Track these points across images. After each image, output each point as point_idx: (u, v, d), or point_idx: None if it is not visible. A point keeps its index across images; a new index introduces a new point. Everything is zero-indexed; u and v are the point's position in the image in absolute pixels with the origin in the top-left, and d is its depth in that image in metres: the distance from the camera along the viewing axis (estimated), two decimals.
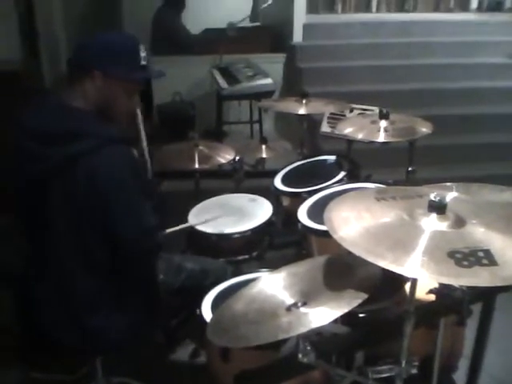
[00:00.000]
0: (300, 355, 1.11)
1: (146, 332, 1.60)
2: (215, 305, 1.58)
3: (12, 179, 1.51)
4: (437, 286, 1.28)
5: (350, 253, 1.02)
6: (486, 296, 1.47)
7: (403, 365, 1.19)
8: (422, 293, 1.25)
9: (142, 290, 1.55)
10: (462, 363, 1.65)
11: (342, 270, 1.23)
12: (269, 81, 3.99)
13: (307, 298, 1.16)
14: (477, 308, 1.45)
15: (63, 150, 1.37)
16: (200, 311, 1.56)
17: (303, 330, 1.06)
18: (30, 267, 1.52)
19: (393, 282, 1.23)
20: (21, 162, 1.44)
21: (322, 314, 1.07)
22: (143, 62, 1.51)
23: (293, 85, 4.53)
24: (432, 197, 1.06)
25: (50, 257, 1.48)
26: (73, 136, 1.38)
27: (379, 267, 0.97)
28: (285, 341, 1.23)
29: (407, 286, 1.19)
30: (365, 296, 1.08)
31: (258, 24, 4.89)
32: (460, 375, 1.68)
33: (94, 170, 1.37)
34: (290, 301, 1.18)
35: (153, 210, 1.50)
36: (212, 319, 1.31)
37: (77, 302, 1.47)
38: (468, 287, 1.20)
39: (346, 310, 1.06)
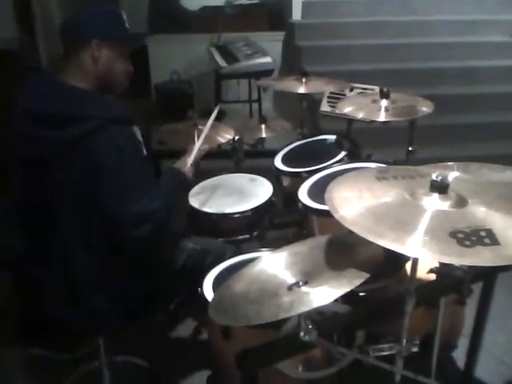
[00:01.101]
0: (301, 334, 1.12)
1: (146, 313, 1.61)
2: (216, 284, 1.58)
3: (9, 161, 1.50)
4: (437, 265, 1.29)
5: (351, 232, 1.02)
6: (487, 275, 1.48)
7: (404, 343, 1.20)
8: (423, 272, 1.25)
9: (143, 271, 1.55)
10: (461, 342, 1.67)
11: (343, 249, 1.24)
12: (268, 59, 3.95)
13: (309, 277, 1.16)
14: (477, 286, 1.46)
15: (64, 133, 1.36)
16: (201, 290, 1.56)
17: (304, 309, 1.06)
18: (30, 249, 1.52)
19: (393, 260, 1.23)
20: (19, 144, 1.43)
21: (324, 294, 1.07)
22: (127, 25, 1.56)
23: (292, 63, 4.48)
24: (434, 176, 1.06)
25: (50, 238, 1.47)
26: (73, 118, 1.37)
27: (381, 247, 0.97)
28: (286, 319, 1.23)
29: (408, 265, 1.19)
30: (366, 275, 1.08)
31: (256, 1, 4.82)
32: (459, 354, 1.70)
33: (94, 151, 1.36)
34: (291, 280, 1.19)
35: (158, 194, 1.48)
36: (213, 298, 1.32)
37: (77, 283, 1.48)
38: (469, 267, 1.21)
39: (347, 290, 1.06)
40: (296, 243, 1.38)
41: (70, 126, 1.36)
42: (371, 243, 0.97)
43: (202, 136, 1.86)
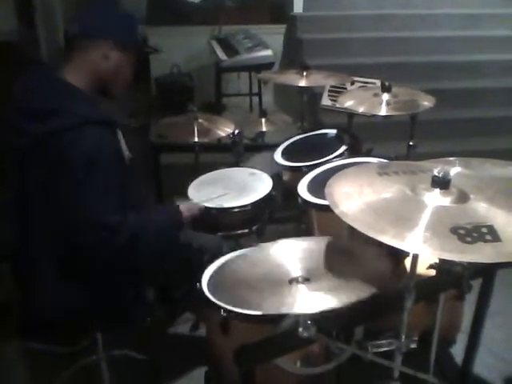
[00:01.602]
0: (300, 329, 1.11)
1: (146, 309, 1.61)
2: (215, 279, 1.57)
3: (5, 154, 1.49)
4: (437, 260, 1.28)
5: (351, 228, 1.01)
6: (487, 271, 1.47)
7: (403, 339, 1.20)
8: (423, 268, 1.24)
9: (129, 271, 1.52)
10: (459, 338, 1.66)
11: (351, 259, 1.22)
12: (269, 52, 3.93)
13: (312, 275, 1.16)
14: (476, 282, 1.45)
15: (40, 127, 1.35)
16: (200, 285, 1.55)
17: (297, 310, 1.06)
18: (19, 242, 1.51)
19: (393, 256, 1.22)
20: (5, 134, 1.43)
21: (322, 300, 1.07)
22: (139, 36, 1.55)
23: (293, 57, 4.46)
24: (436, 172, 1.05)
25: (32, 231, 1.46)
26: (53, 113, 1.35)
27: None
28: (285, 315, 1.23)
29: (408, 261, 1.18)
30: (370, 291, 1.07)
31: None
32: (458, 349, 1.70)
33: (65, 148, 1.33)
34: (294, 273, 1.18)
35: (124, 207, 1.40)
36: (215, 272, 1.29)
37: (74, 275, 1.46)
38: (469, 263, 1.20)
39: (346, 302, 1.05)
40: (310, 238, 1.36)
41: (49, 120, 1.34)
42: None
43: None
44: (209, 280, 1.21)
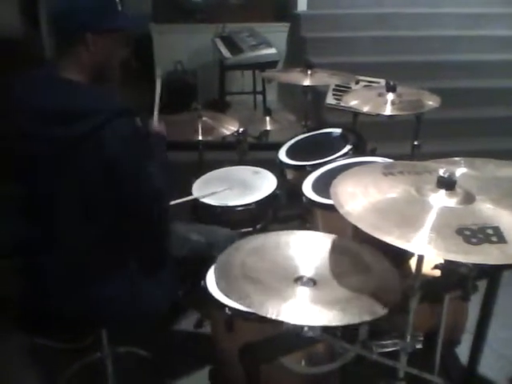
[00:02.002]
0: (305, 329, 1.11)
1: (154, 305, 1.61)
2: None
3: (10, 154, 1.49)
4: (442, 261, 1.28)
5: (355, 228, 1.01)
6: (492, 273, 1.47)
7: (408, 339, 1.20)
8: (428, 268, 1.25)
9: (150, 262, 1.55)
10: (464, 338, 1.66)
11: (360, 268, 1.20)
12: (273, 50, 3.92)
13: (319, 278, 1.15)
14: (481, 282, 1.45)
15: (69, 130, 1.35)
16: (204, 282, 1.56)
17: (301, 322, 1.04)
18: (35, 238, 1.52)
19: (398, 255, 1.22)
20: (21, 140, 1.41)
21: (330, 315, 1.03)
22: (119, 7, 1.51)
23: (297, 55, 4.45)
24: (441, 173, 1.05)
25: (56, 228, 1.47)
26: (78, 115, 1.36)
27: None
28: None
29: (413, 261, 1.18)
30: (380, 313, 1.05)
31: None
32: (462, 350, 1.70)
33: (102, 145, 1.35)
34: (302, 272, 1.17)
35: (159, 175, 1.50)
36: (223, 256, 1.27)
37: (83, 272, 1.48)
38: (475, 264, 1.20)
39: (354, 322, 1.03)
40: (327, 235, 1.35)
41: (76, 123, 1.35)
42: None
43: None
44: (215, 269, 1.20)
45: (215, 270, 1.20)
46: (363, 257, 1.24)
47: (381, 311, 1.05)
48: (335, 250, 1.28)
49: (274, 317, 1.02)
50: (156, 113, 1.89)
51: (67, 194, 1.42)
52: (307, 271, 1.19)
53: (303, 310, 1.05)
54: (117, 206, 1.43)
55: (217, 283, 1.15)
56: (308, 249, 1.28)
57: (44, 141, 1.38)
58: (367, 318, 1.03)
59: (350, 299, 1.08)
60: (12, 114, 1.42)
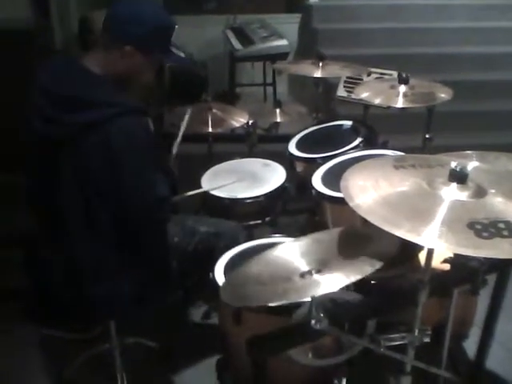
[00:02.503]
0: (312, 321, 1.11)
1: (152, 301, 1.61)
2: (228, 269, 1.58)
3: (25, 139, 1.50)
4: (451, 255, 1.27)
5: (365, 221, 1.00)
6: (503, 267, 1.45)
7: (416, 333, 1.19)
8: (437, 261, 1.24)
9: (148, 259, 1.54)
10: (472, 331, 1.65)
11: (360, 240, 1.23)
12: (284, 42, 3.90)
13: (323, 266, 1.16)
14: (490, 276, 1.43)
15: (79, 117, 1.36)
16: (213, 274, 1.56)
17: (302, 297, 1.06)
18: (38, 230, 1.53)
19: (408, 249, 1.22)
20: (35, 122, 1.42)
21: (333, 280, 1.07)
22: (172, 47, 1.54)
23: (308, 47, 4.42)
24: (453, 166, 1.04)
25: (56, 221, 1.47)
26: (90, 104, 1.36)
27: (396, 238, 0.95)
28: (297, 306, 1.23)
29: (422, 254, 1.17)
30: (379, 264, 1.07)
31: None
32: (470, 343, 1.69)
33: (108, 139, 1.35)
34: (305, 268, 1.18)
35: (165, 180, 1.50)
36: (228, 277, 1.32)
37: (81, 269, 1.48)
38: (485, 258, 1.19)
39: (358, 277, 1.05)
40: (318, 232, 1.37)
41: (87, 111, 1.35)
42: (387, 233, 0.96)
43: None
44: (222, 289, 1.24)
45: (223, 287, 1.23)
46: (362, 231, 1.26)
47: (378, 264, 1.08)
48: (331, 238, 1.30)
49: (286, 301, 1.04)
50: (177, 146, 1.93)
51: (71, 186, 1.42)
52: (311, 265, 1.20)
53: (315, 287, 1.09)
54: (116, 205, 1.42)
55: (228, 300, 1.19)
56: (305, 250, 1.29)
57: (54, 124, 1.39)
58: (365, 274, 1.07)
59: (350, 264, 1.12)
60: (35, 98, 1.42)
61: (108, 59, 1.44)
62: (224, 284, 1.26)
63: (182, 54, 1.71)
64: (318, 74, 2.34)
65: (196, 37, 4.52)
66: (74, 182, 1.41)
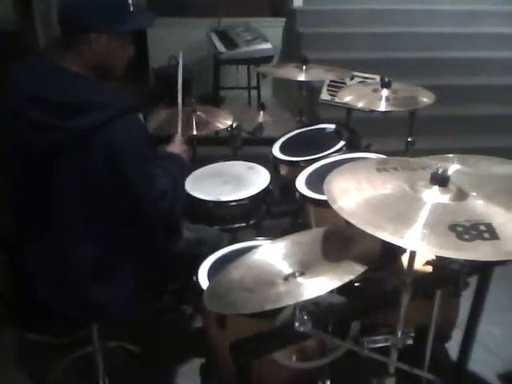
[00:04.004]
0: (296, 324, 1.11)
1: (146, 303, 1.61)
2: (212, 272, 1.58)
3: (8, 144, 1.47)
4: (434, 257, 1.28)
5: (348, 224, 1.01)
6: (484, 269, 1.47)
7: (399, 335, 1.20)
8: (419, 264, 1.25)
9: (145, 261, 1.54)
10: (455, 333, 1.67)
11: (342, 242, 1.23)
12: (268, 45, 3.91)
13: (306, 268, 1.16)
14: (472, 278, 1.45)
15: (76, 123, 1.34)
16: (196, 278, 1.56)
17: (291, 301, 1.06)
18: (23, 236, 1.50)
19: (391, 252, 1.23)
20: (22, 131, 1.39)
21: (317, 285, 1.07)
22: (131, 9, 1.47)
23: (292, 50, 4.44)
24: (435, 169, 1.05)
25: (51, 225, 1.45)
26: (85, 108, 1.34)
27: (379, 240, 0.96)
28: (281, 310, 1.23)
29: (404, 257, 1.18)
30: (362, 269, 1.08)
31: None
32: (452, 345, 1.71)
33: (109, 141, 1.35)
34: (288, 270, 1.18)
35: (165, 173, 1.50)
36: (210, 284, 1.31)
37: (78, 271, 1.46)
38: (467, 260, 1.20)
39: (341, 283, 1.05)
40: (297, 233, 1.37)
41: (83, 115, 1.34)
42: (370, 236, 0.96)
43: (180, 113, 1.98)
44: (206, 296, 1.23)
45: (206, 295, 1.22)
46: (343, 231, 1.27)
47: (362, 269, 1.08)
48: (312, 239, 1.30)
49: (272, 306, 1.04)
50: (180, 131, 1.91)
51: (68, 190, 1.41)
52: (294, 268, 1.19)
53: (300, 290, 1.08)
54: (120, 204, 1.42)
55: (211, 306, 1.18)
56: (287, 252, 1.29)
57: (50, 132, 1.36)
58: (350, 278, 1.07)
59: (334, 268, 1.12)
60: (18, 105, 1.38)
61: (82, 56, 1.42)
62: (207, 292, 1.24)
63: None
64: (301, 77, 2.35)
65: (180, 40, 4.51)
66: (74, 186, 1.39)
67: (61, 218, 1.44)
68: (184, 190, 1.70)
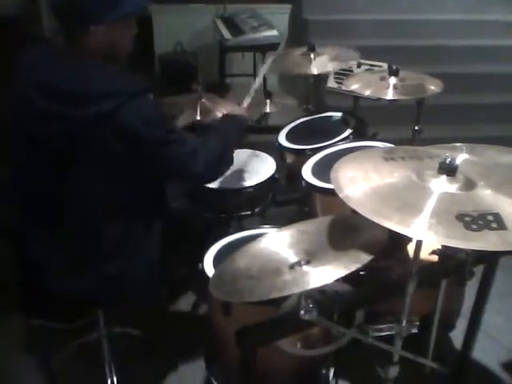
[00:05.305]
0: (301, 312, 1.11)
1: (164, 273, 1.63)
2: (217, 259, 1.58)
3: (17, 132, 1.47)
4: (440, 246, 1.28)
5: (354, 212, 1.01)
6: (490, 258, 1.47)
7: (404, 324, 1.20)
8: (425, 253, 1.24)
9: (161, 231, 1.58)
10: (459, 322, 1.67)
11: (348, 230, 1.22)
12: (274, 32, 3.87)
13: (312, 256, 1.15)
14: (477, 267, 1.45)
15: (85, 111, 1.33)
16: (202, 265, 1.56)
17: (297, 289, 1.06)
18: (31, 221, 1.51)
19: (397, 241, 1.22)
20: (34, 118, 1.39)
21: (323, 274, 1.07)
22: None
23: (298, 37, 4.40)
24: (443, 158, 1.04)
25: (63, 210, 1.46)
26: (96, 96, 1.34)
27: (386, 230, 0.96)
28: (286, 297, 1.23)
29: (410, 246, 1.18)
30: (368, 258, 1.07)
31: None
32: (457, 334, 1.71)
33: (128, 124, 1.35)
34: (294, 259, 1.18)
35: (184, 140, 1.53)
36: (216, 272, 1.31)
37: (100, 248, 1.48)
38: (473, 250, 1.20)
39: (348, 271, 1.05)
40: (303, 222, 1.36)
41: (95, 104, 1.33)
42: (376, 225, 0.96)
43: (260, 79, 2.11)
44: (211, 282, 1.23)
45: (212, 283, 1.22)
46: (350, 220, 1.26)
47: (368, 258, 1.08)
48: (317, 227, 1.30)
49: (278, 295, 1.04)
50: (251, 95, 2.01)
51: (88, 171, 1.42)
52: (299, 256, 1.19)
53: (305, 279, 1.08)
54: (140, 176, 1.46)
55: (217, 294, 1.18)
56: (293, 240, 1.29)
57: (60, 120, 1.36)
58: (356, 266, 1.06)
59: (340, 257, 1.11)
60: (27, 93, 1.38)
61: (86, 46, 1.41)
62: (213, 280, 1.25)
63: None
64: (308, 69, 2.31)
65: (186, 26, 4.48)
66: (95, 167, 1.41)
67: (77, 201, 1.44)
68: (227, 150, 1.70)
